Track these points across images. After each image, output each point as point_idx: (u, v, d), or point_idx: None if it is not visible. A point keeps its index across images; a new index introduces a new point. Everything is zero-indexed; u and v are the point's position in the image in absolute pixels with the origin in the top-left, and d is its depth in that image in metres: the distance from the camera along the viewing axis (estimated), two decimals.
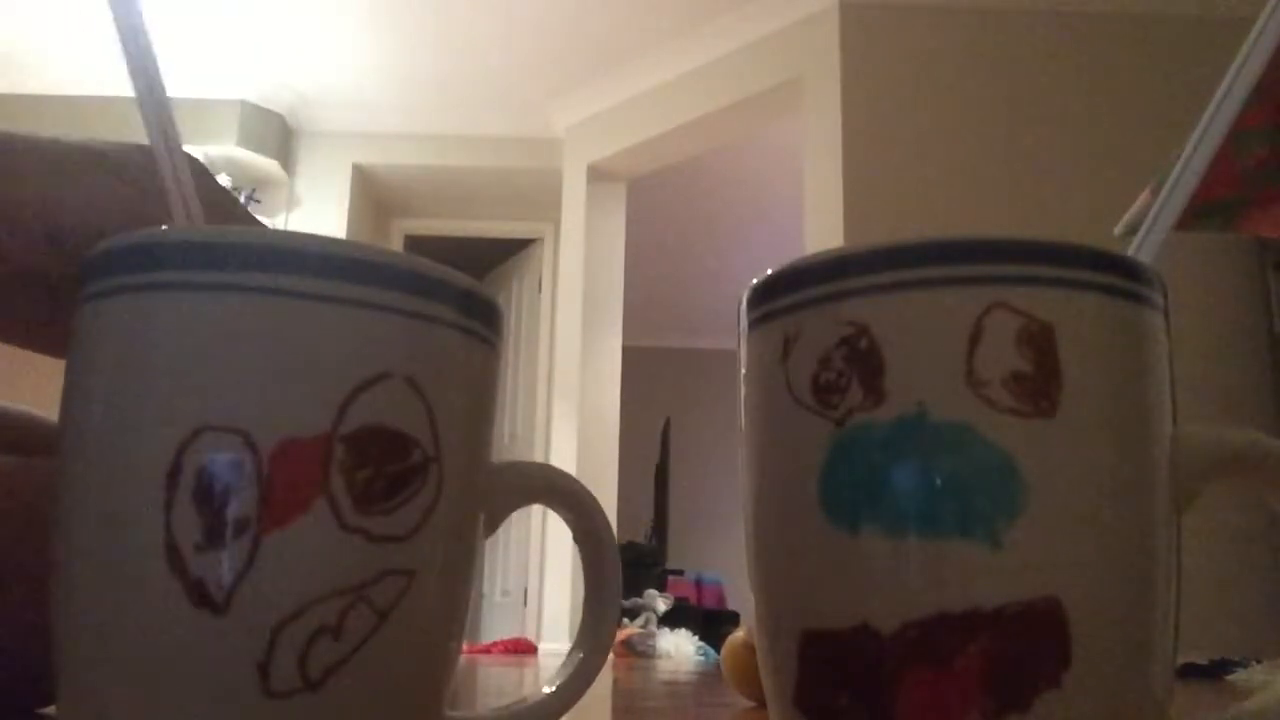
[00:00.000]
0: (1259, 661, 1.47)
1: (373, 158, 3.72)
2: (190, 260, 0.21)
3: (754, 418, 0.25)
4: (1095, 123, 2.63)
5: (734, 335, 0.26)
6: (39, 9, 3.04)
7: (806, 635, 0.22)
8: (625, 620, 2.87)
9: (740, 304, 0.25)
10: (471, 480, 0.24)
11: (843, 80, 2.70)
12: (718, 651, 1.13)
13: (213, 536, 0.20)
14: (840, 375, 0.22)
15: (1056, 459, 0.21)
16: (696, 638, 2.48)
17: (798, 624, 0.23)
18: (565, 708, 0.27)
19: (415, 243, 3.96)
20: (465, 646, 0.96)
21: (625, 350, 3.49)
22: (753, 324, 0.25)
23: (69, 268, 0.23)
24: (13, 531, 0.31)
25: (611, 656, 1.15)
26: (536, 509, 0.86)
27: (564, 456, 3.26)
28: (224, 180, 3.34)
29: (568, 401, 3.37)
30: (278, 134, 3.57)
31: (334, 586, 0.20)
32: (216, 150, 3.35)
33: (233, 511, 0.20)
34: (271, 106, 3.53)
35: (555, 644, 2.95)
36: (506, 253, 4.08)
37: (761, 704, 0.63)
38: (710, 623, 3.04)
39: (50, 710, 0.33)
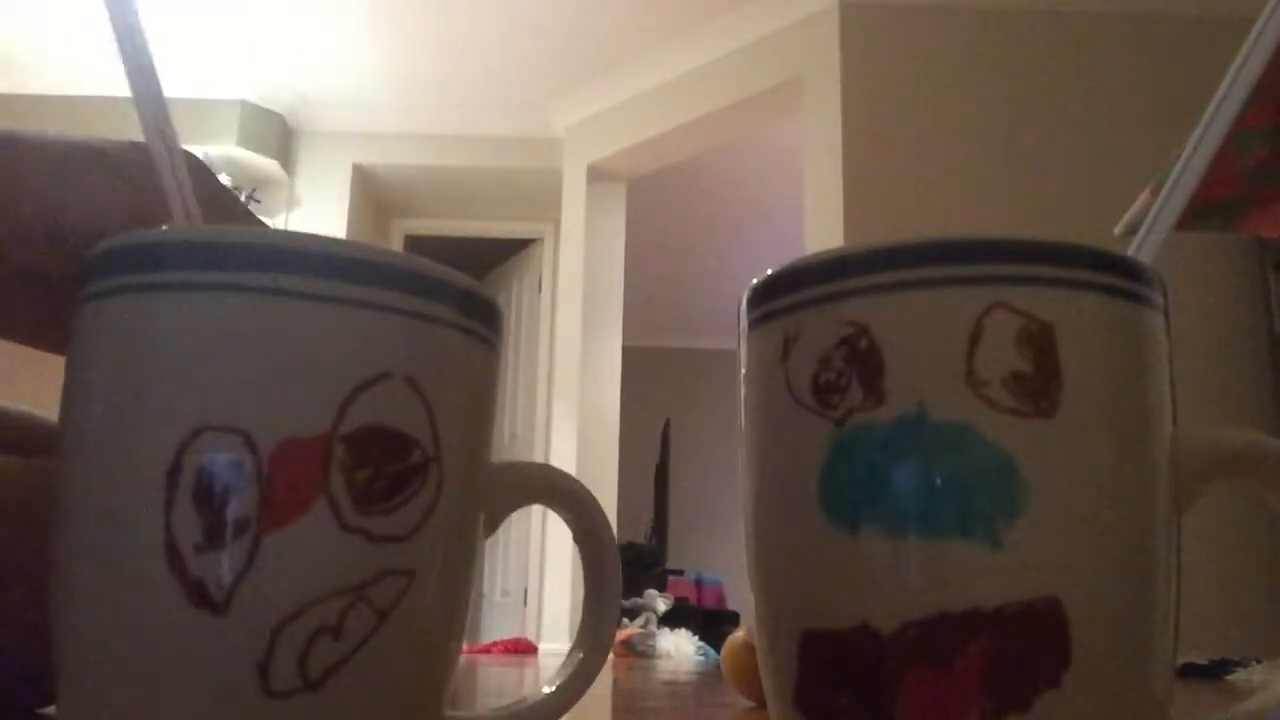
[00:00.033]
0: (1259, 661, 1.47)
1: (373, 158, 3.72)
2: (191, 260, 0.21)
3: (754, 418, 0.25)
4: (1095, 123, 2.63)
5: (734, 335, 0.26)
6: (39, 9, 3.04)
7: (806, 635, 0.22)
8: (625, 620, 2.87)
9: (740, 304, 0.25)
10: (471, 480, 0.24)
11: (843, 80, 2.70)
12: (718, 651, 1.13)
13: (213, 536, 0.20)
14: (840, 375, 0.22)
15: (1056, 459, 0.21)
16: (696, 638, 2.48)
17: (798, 624, 0.23)
18: (565, 708, 0.27)
19: (415, 243, 3.96)
20: (465, 646, 0.96)
21: (625, 350, 3.49)
22: (753, 324, 0.25)
23: (69, 268, 0.23)
24: (13, 531, 0.31)
25: (611, 656, 1.15)
26: (536, 509, 0.86)
27: (564, 456, 3.26)
28: (224, 180, 3.34)
29: (568, 401, 3.37)
30: (278, 134, 3.57)
31: (334, 586, 0.20)
32: (216, 150, 3.35)
33: (233, 511, 0.20)
34: (271, 106, 3.53)
35: (555, 644, 2.95)
36: (506, 253, 4.08)
37: (761, 704, 0.63)
38: (710, 623, 3.04)
39: (50, 710, 0.33)
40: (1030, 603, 0.20)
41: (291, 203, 3.65)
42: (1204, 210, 0.62)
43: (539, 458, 3.43)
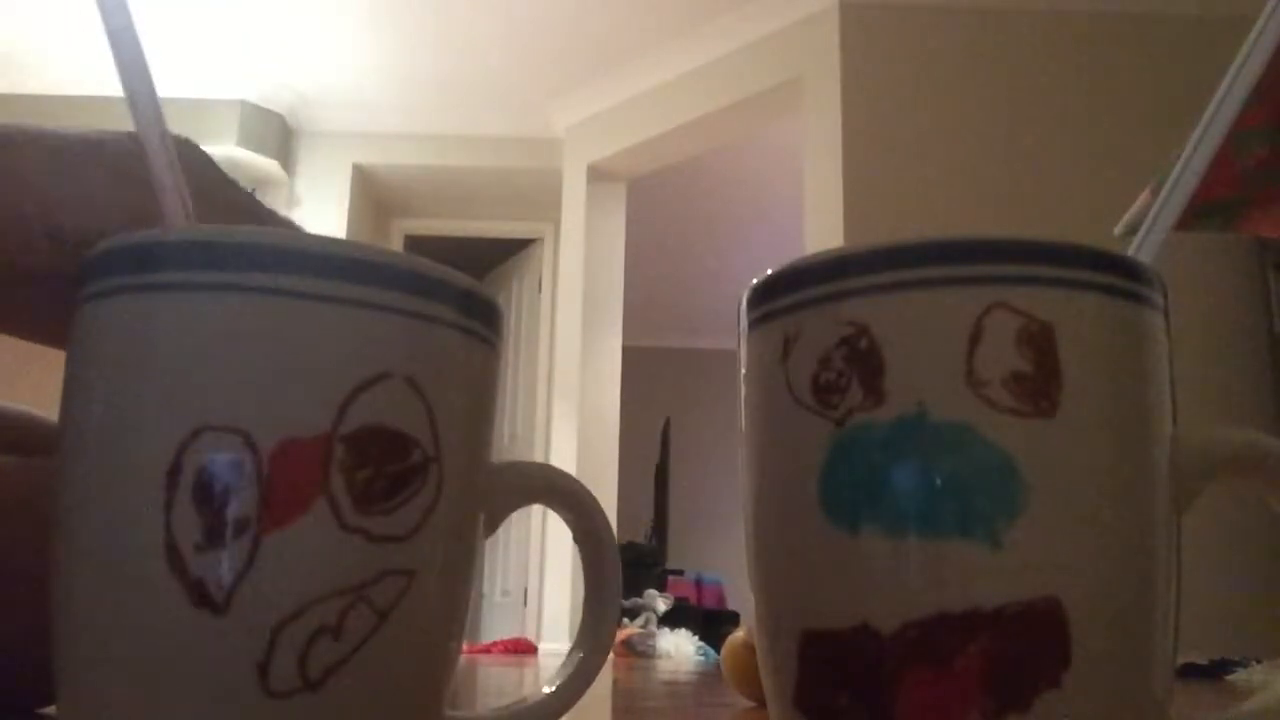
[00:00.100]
0: (1259, 661, 1.47)
1: (373, 158, 3.72)
2: (190, 260, 0.21)
3: (754, 418, 0.25)
4: (1095, 123, 2.63)
5: (734, 335, 0.26)
6: (39, 9, 3.04)
7: (806, 635, 0.22)
8: (625, 620, 2.87)
9: (740, 304, 0.25)
10: (471, 480, 0.24)
11: (843, 80, 2.70)
12: (718, 651, 1.13)
13: (213, 536, 0.20)
14: (840, 375, 0.22)
15: (1056, 459, 0.21)
16: (696, 638, 2.48)
17: (798, 624, 0.23)
18: (565, 708, 0.27)
19: (415, 243, 3.96)
20: (465, 646, 0.96)
21: (625, 350, 3.49)
22: (753, 324, 0.25)
23: (69, 267, 0.23)
24: (13, 531, 0.31)
25: (611, 656, 1.15)
26: (536, 509, 0.86)
27: (564, 456, 3.26)
28: None
29: (568, 401, 3.37)
30: (278, 134, 3.57)
31: (334, 586, 0.20)
32: (216, 150, 3.35)
33: (233, 511, 0.20)
34: (271, 106, 3.53)
35: (555, 644, 2.95)
36: (506, 253, 4.08)
37: (761, 704, 0.63)
38: (710, 623, 3.04)
39: (50, 710, 0.33)
40: (1030, 603, 0.20)
41: (291, 203, 3.64)
42: (1204, 210, 0.62)
43: (539, 458, 3.43)
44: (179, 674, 0.20)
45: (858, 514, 0.21)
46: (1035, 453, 0.21)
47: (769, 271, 0.24)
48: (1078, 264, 0.22)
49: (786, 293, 0.24)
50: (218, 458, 0.20)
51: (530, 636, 3.10)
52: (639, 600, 3.08)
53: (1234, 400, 2.41)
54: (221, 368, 0.20)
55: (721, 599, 4.43)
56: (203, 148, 0.35)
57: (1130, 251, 0.24)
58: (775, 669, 0.24)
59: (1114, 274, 0.22)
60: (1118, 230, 0.66)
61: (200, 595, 0.20)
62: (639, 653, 2.33)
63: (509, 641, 2.58)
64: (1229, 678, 1.37)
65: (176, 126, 0.24)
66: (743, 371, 0.25)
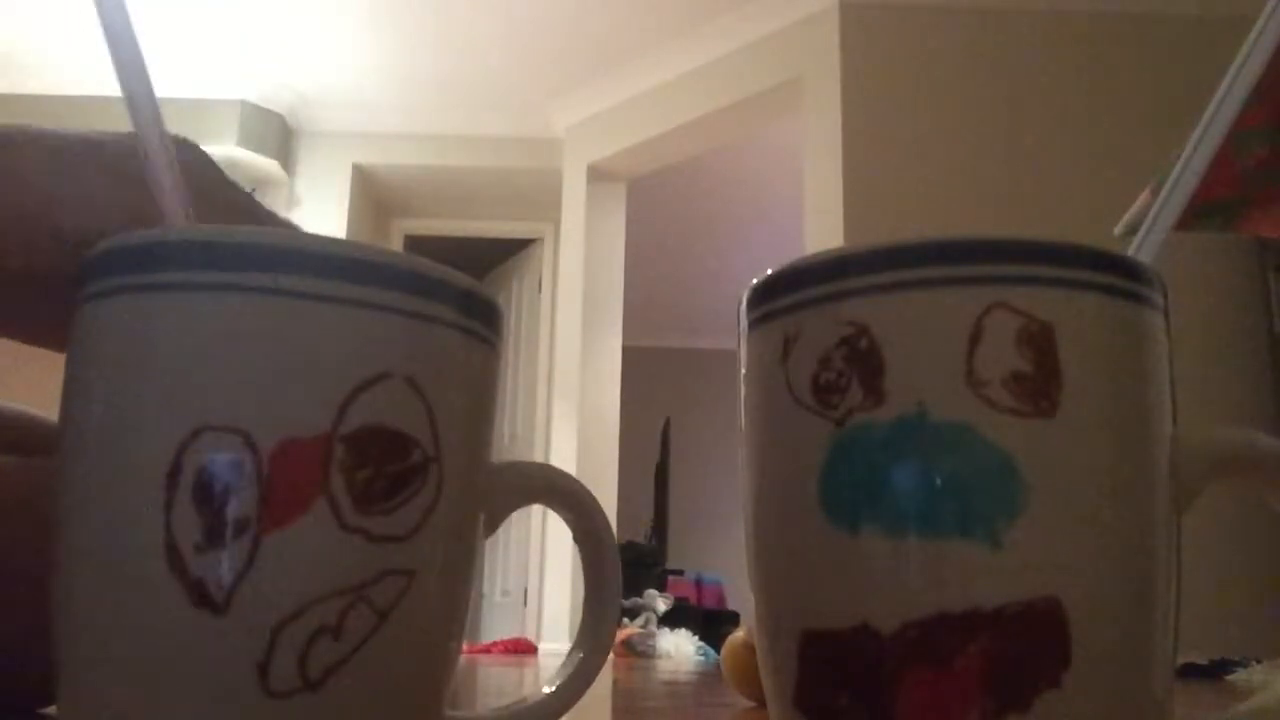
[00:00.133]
0: (1259, 661, 1.47)
1: (373, 158, 3.72)
2: (191, 260, 0.21)
3: (754, 418, 0.25)
4: (1095, 123, 2.63)
5: (734, 335, 0.26)
6: (39, 9, 3.04)
7: (806, 635, 0.22)
8: (625, 620, 2.87)
9: (740, 304, 0.25)
10: (471, 480, 0.24)
11: (843, 80, 2.70)
12: (718, 651, 1.13)
13: (213, 536, 0.20)
14: (840, 375, 0.22)
15: (1056, 459, 0.21)
16: (696, 638, 2.48)
17: (798, 624, 0.23)
18: (565, 708, 0.27)
19: (415, 243, 3.96)
20: (465, 646, 0.96)
21: (625, 350, 3.49)
22: (753, 324, 0.25)
23: (69, 267, 0.23)
24: (13, 531, 0.31)
25: (611, 656, 1.15)
26: (536, 509, 0.86)
27: (564, 456, 3.26)
28: None
29: (568, 401, 3.37)
30: (278, 134, 3.57)
31: (334, 586, 0.20)
32: (216, 150, 3.34)
33: (233, 511, 0.20)
34: (271, 106, 3.53)
35: (555, 644, 2.95)
36: (506, 253, 4.08)
37: (761, 704, 0.63)
38: (710, 623, 3.04)
39: (50, 710, 0.33)
40: (1030, 603, 0.20)
41: (291, 203, 3.65)
42: (1204, 210, 0.62)
43: (539, 458, 3.43)
44: (179, 674, 0.20)
45: (858, 514, 0.21)
46: (1035, 453, 0.21)
47: (769, 271, 0.24)
48: (1078, 264, 0.22)
49: (786, 293, 0.24)
50: (218, 458, 0.20)
51: (530, 636, 3.10)
52: (639, 600, 3.08)
53: (1234, 400, 2.41)
54: (221, 368, 0.20)
55: (721, 599, 4.43)
56: (202, 148, 0.35)
57: (1130, 251, 0.24)
58: (775, 669, 0.24)
59: (1114, 274, 0.22)
60: (1118, 230, 0.66)
61: (200, 595, 0.20)
62: (639, 653, 2.33)
63: (509, 641, 2.58)
64: (1229, 678, 1.37)
65: (176, 126, 0.24)
66: (743, 371, 0.25)
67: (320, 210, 3.62)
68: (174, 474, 0.20)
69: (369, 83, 3.48)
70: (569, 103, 3.49)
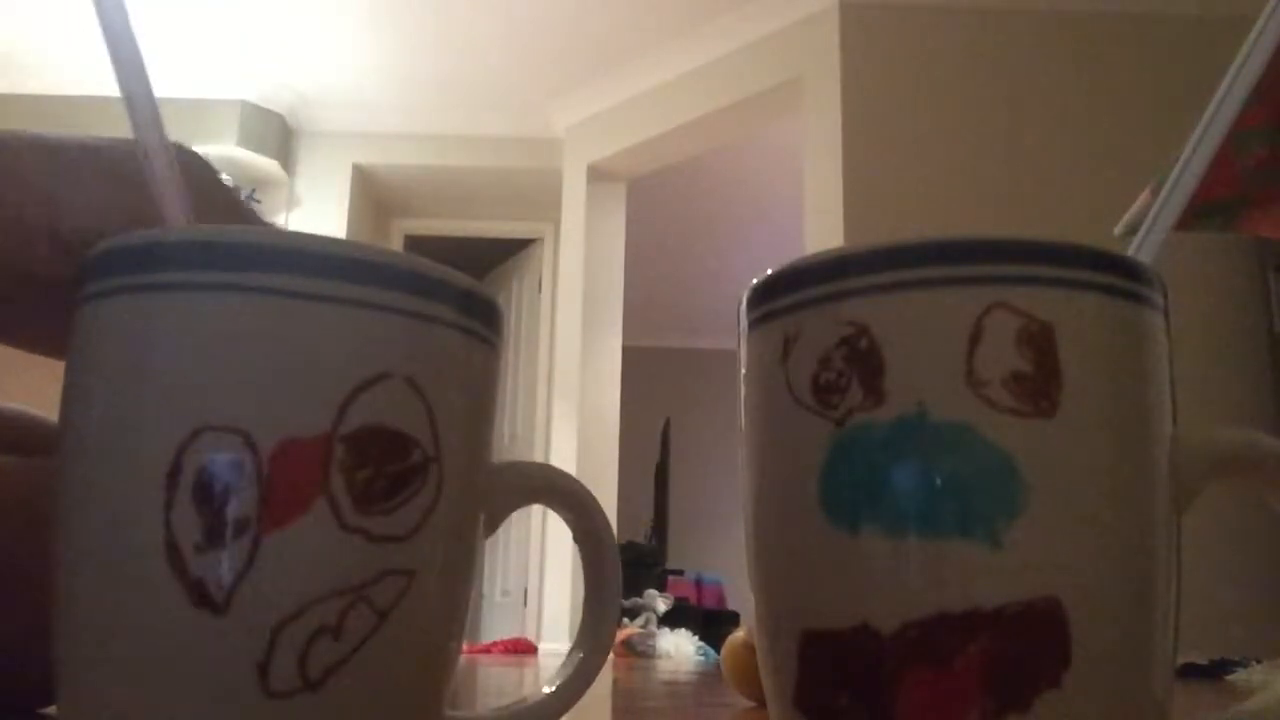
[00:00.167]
0: (1259, 661, 1.47)
1: (373, 158, 3.72)
2: (190, 260, 0.21)
3: (754, 418, 0.25)
4: (1095, 123, 2.63)
5: (734, 335, 0.26)
6: (39, 9, 3.04)
7: (806, 635, 0.22)
8: (625, 620, 2.87)
9: (740, 304, 0.25)
10: (471, 480, 0.24)
11: (843, 80, 2.70)
12: (718, 651, 1.13)
13: (213, 536, 0.20)
14: (840, 375, 0.22)
15: (1056, 459, 0.21)
16: (696, 638, 2.48)
17: (798, 624, 0.23)
18: (565, 708, 0.27)
19: (415, 243, 3.96)
20: (465, 646, 0.96)
21: (625, 350, 3.49)
22: (753, 324, 0.25)
23: (69, 268, 0.23)
24: (13, 531, 0.31)
25: (611, 656, 1.15)
26: (536, 509, 0.86)
27: (564, 456, 3.26)
28: (224, 180, 3.34)
29: (568, 401, 3.37)
30: (278, 134, 3.57)
31: (334, 586, 0.20)
32: (216, 150, 3.35)
33: (233, 511, 0.20)
34: (271, 106, 3.53)
35: (555, 644, 2.95)
36: (506, 253, 4.08)
37: (761, 704, 0.63)
38: (710, 623, 3.04)
39: (50, 710, 0.33)
40: (1030, 603, 0.20)
41: (291, 203, 3.64)
42: (1204, 210, 0.62)
43: (539, 458, 3.43)
44: (179, 674, 0.20)
45: (858, 514, 0.21)
46: (1035, 453, 0.21)
47: (769, 271, 0.24)
48: (1078, 264, 0.22)
49: (786, 293, 0.24)
50: (218, 458, 0.20)
51: (530, 636, 3.10)
52: (639, 600, 3.08)
53: (1234, 400, 2.41)
54: (221, 368, 0.20)
55: (721, 599, 4.43)
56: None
57: (1130, 251, 0.24)
58: (775, 669, 0.24)
59: (1114, 274, 0.22)
60: (1118, 230, 0.66)
61: (200, 595, 0.20)
62: (639, 653, 2.33)
63: (509, 641, 2.58)
64: (1229, 678, 1.37)
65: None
66: (743, 371, 0.25)
67: (320, 210, 3.62)
68: (174, 474, 0.20)
69: (369, 83, 3.48)
70: (569, 103, 3.49)
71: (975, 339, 0.21)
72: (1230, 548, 2.10)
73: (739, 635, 0.68)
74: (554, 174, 3.58)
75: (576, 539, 0.27)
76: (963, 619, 0.20)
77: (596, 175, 3.45)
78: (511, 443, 3.77)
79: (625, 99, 3.33)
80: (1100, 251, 0.22)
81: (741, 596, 3.95)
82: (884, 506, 0.21)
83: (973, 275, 0.21)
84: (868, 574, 0.21)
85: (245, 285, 0.21)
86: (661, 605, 3.06)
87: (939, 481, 0.21)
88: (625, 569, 0.31)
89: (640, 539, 4.42)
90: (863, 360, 0.22)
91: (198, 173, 0.33)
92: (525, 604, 3.57)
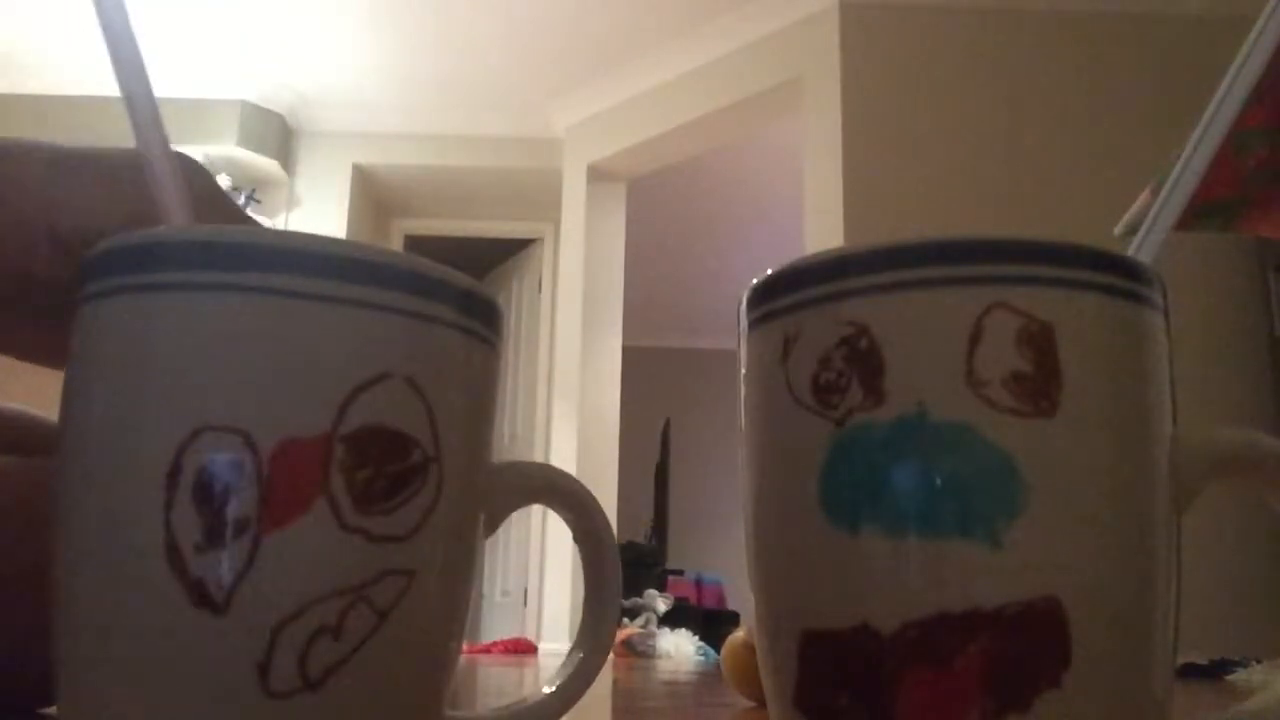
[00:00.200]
0: (1259, 661, 1.47)
1: (373, 158, 3.72)
2: (190, 260, 0.21)
3: (754, 418, 0.25)
4: (1095, 123, 2.63)
5: (734, 335, 0.26)
6: (39, 9, 3.04)
7: (806, 635, 0.22)
8: (625, 620, 2.87)
9: (740, 304, 0.25)
10: (471, 480, 0.24)
11: (843, 80, 2.70)
12: (718, 651, 1.13)
13: (213, 536, 0.20)
14: (840, 375, 0.22)
15: (1056, 459, 0.21)
16: (696, 638, 2.48)
17: (798, 624, 0.23)
18: (565, 708, 0.27)
19: (415, 243, 3.96)
20: (465, 646, 0.96)
21: (625, 350, 3.49)
22: (753, 324, 0.25)
23: (68, 270, 0.23)
24: (13, 531, 0.31)
25: (611, 656, 1.15)
26: (536, 509, 0.86)
27: (564, 456, 3.26)
28: (224, 180, 3.34)
29: (568, 401, 3.37)
30: (278, 134, 3.57)
31: (334, 586, 0.20)
32: (216, 150, 3.35)
33: (233, 511, 0.20)
34: (271, 106, 3.53)
35: (555, 644, 2.95)
36: (506, 253, 4.08)
37: (761, 704, 0.63)
38: (710, 623, 3.04)
39: (50, 710, 0.33)
40: (1030, 603, 0.20)
41: (291, 203, 3.65)
42: (1204, 210, 0.62)
43: (539, 458, 3.43)
44: (179, 674, 0.20)
45: (858, 514, 0.21)
46: (1035, 453, 0.21)
47: (769, 271, 0.24)
48: (1078, 264, 0.22)
49: (786, 293, 0.24)
50: (218, 458, 0.20)
51: (530, 636, 3.11)
52: (639, 600, 3.08)
53: (1234, 400, 2.41)
54: (221, 368, 0.20)
55: (721, 599, 4.43)
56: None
57: (1130, 251, 0.24)
58: (775, 669, 0.24)
59: (1114, 274, 0.22)
60: (1118, 230, 0.66)
61: (200, 595, 0.20)
62: (639, 653, 2.33)
63: (509, 641, 2.58)
64: (1229, 678, 1.37)
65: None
66: (743, 371, 0.25)
67: (320, 210, 3.62)
68: (174, 474, 0.20)
69: (369, 83, 3.48)
70: (569, 103, 3.49)
71: (975, 339, 0.21)
72: (1230, 548, 2.10)
73: (739, 635, 0.68)
74: (554, 174, 3.58)
75: (576, 539, 0.27)
76: (963, 619, 0.20)
77: (596, 175, 3.45)
78: (511, 443, 3.77)
79: (625, 99, 3.33)
80: (1100, 251, 0.22)
81: (741, 596, 3.95)
82: (884, 506, 0.21)
83: (973, 275, 0.21)
84: (868, 574, 0.21)
85: (245, 285, 0.21)
86: (661, 605, 3.06)
87: (939, 481, 0.21)
88: (625, 569, 0.31)
89: (640, 539, 4.42)
90: (863, 360, 0.22)
91: (198, 180, 0.33)
92: (525, 604, 3.57)
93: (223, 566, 0.20)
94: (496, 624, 3.65)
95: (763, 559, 0.24)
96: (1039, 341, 0.21)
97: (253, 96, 3.48)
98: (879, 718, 0.21)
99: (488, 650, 2.43)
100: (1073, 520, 0.21)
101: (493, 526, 0.25)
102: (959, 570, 0.20)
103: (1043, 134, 2.65)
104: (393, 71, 3.41)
